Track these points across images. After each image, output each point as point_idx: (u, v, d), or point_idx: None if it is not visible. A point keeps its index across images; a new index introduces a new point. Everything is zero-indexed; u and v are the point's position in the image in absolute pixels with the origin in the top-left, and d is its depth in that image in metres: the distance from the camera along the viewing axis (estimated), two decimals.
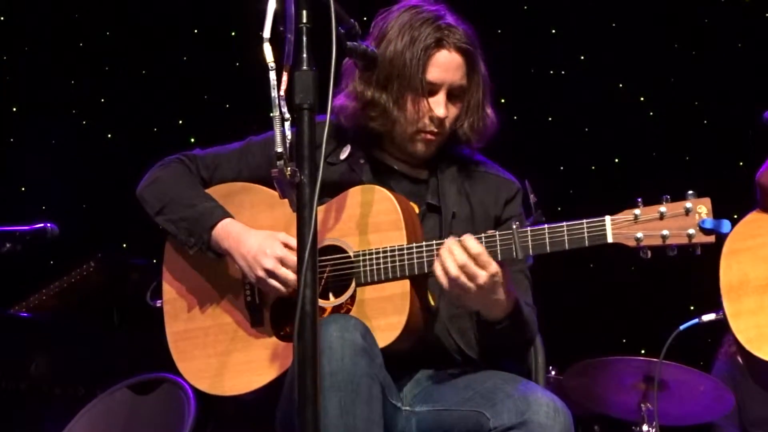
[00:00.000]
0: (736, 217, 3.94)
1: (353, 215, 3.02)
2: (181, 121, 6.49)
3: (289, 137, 2.44)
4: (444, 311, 3.05)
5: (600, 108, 6.40)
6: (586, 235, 2.79)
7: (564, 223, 2.81)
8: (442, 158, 3.18)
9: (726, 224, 2.72)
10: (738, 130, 5.89)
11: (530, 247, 2.81)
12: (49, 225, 4.31)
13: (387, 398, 2.88)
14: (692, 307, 5.59)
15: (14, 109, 6.33)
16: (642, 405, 4.51)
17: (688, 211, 2.74)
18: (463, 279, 2.79)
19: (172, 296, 3.23)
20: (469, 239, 2.81)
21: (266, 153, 3.16)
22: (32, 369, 4.64)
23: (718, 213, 2.75)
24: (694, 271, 4.50)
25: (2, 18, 6.32)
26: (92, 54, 6.33)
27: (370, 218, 3.00)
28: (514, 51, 6.39)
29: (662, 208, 2.75)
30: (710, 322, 4.35)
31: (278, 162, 2.42)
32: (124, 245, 6.15)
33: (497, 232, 2.84)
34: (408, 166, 3.18)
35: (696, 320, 4.41)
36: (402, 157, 3.17)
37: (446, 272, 2.81)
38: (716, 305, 3.98)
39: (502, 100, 6.56)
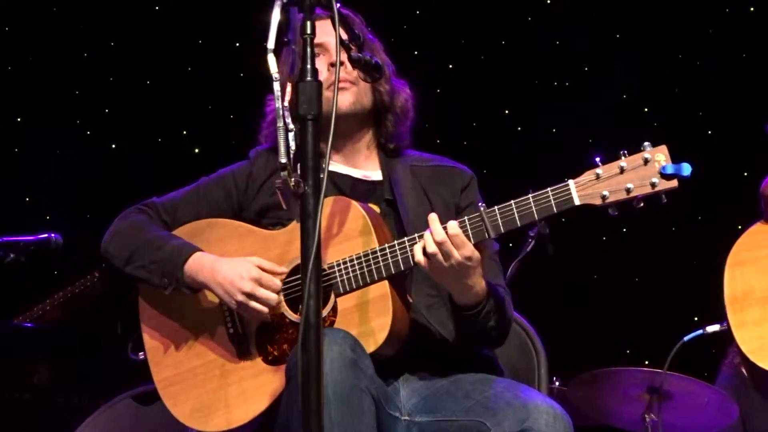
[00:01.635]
0: (740, 227, 3.94)
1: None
2: (185, 132, 6.49)
3: (293, 148, 2.45)
4: (421, 303, 3.06)
5: (604, 119, 6.39)
6: (552, 202, 2.84)
7: (530, 195, 2.86)
8: (394, 160, 3.24)
9: (686, 167, 2.78)
10: (742, 140, 5.88)
11: (500, 224, 2.87)
12: (53, 235, 4.32)
13: (384, 409, 2.89)
14: (696, 318, 5.58)
15: (18, 119, 6.33)
16: (646, 416, 4.48)
17: (647, 161, 2.81)
18: (440, 257, 2.85)
19: (153, 344, 3.22)
20: (450, 222, 2.88)
21: (223, 188, 3.25)
22: (36, 379, 4.64)
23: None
24: (698, 282, 4.51)
25: (6, 28, 6.33)
26: (96, 64, 6.33)
27: (337, 229, 3.01)
28: (517, 62, 6.39)
29: (622, 163, 2.82)
30: (714, 333, 4.34)
31: (282, 173, 2.43)
32: None
33: (467, 218, 2.89)
34: (361, 170, 3.23)
35: (700, 331, 4.40)
36: (355, 163, 3.23)
37: (425, 248, 2.86)
38: (720, 316, 3.98)
39: (506, 111, 6.59)
